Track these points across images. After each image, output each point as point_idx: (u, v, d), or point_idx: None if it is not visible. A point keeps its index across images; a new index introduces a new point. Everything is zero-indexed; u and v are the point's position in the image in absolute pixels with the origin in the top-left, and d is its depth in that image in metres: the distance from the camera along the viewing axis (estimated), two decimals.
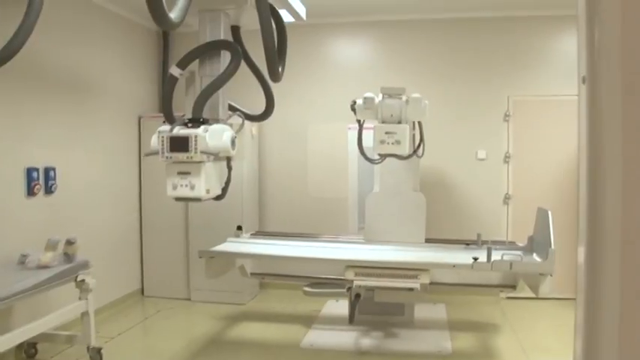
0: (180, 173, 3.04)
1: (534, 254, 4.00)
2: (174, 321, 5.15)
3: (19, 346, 3.84)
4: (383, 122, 4.07)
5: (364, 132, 4.34)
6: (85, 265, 3.86)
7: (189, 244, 5.63)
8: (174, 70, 3.17)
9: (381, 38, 5.92)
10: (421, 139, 4.35)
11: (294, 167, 6.02)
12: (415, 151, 4.36)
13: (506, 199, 5.67)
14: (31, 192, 4.15)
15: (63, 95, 4.60)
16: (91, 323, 3.86)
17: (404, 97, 4.07)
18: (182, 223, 5.67)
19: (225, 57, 3.20)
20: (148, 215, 5.75)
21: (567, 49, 5.46)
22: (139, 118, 5.69)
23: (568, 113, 5.19)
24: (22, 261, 3.72)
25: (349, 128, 5.16)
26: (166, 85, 3.23)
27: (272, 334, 4.73)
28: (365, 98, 4.14)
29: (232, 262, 4.43)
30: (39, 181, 4.22)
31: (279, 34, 3.44)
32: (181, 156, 2.99)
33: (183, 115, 3.15)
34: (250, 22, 3.31)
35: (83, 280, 3.79)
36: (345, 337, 4.51)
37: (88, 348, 3.86)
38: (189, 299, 5.66)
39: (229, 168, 3.25)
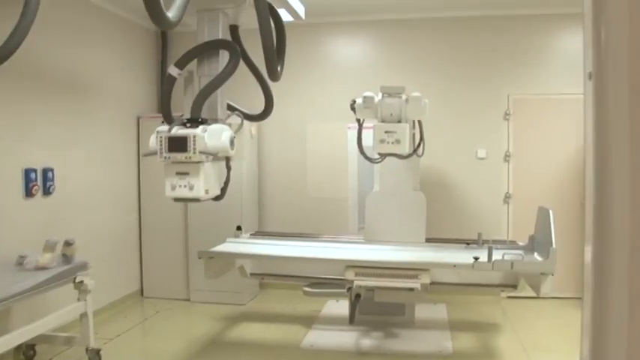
0: (178, 173, 3.02)
1: (535, 253, 3.98)
2: (173, 322, 5.13)
3: (18, 348, 3.82)
4: (383, 121, 4.05)
5: (364, 131, 4.33)
6: (83, 266, 3.84)
7: (188, 244, 5.62)
8: (173, 70, 3.16)
9: (380, 37, 5.90)
10: (421, 138, 4.33)
11: (293, 167, 6.00)
12: (415, 151, 4.34)
13: (507, 198, 5.66)
14: (29, 193, 4.14)
15: (61, 95, 4.59)
16: (89, 324, 3.85)
17: (404, 96, 4.06)
18: (181, 224, 5.65)
19: (224, 56, 3.18)
20: (147, 216, 5.73)
21: (567, 47, 5.45)
22: (138, 119, 5.68)
23: (568, 112, 5.20)
24: (20, 262, 3.70)
25: (349, 127, 5.14)
26: (165, 85, 3.22)
27: (272, 334, 4.72)
28: (364, 97, 4.12)
29: (232, 263, 4.42)
30: (37, 182, 4.21)
31: (278, 34, 3.43)
32: (180, 156, 2.97)
33: (182, 115, 3.14)
34: (249, 21, 3.30)
35: (82, 281, 3.78)
36: (345, 338, 4.50)
37: (86, 349, 3.84)
38: (188, 300, 5.65)
39: (228, 168, 3.23)
